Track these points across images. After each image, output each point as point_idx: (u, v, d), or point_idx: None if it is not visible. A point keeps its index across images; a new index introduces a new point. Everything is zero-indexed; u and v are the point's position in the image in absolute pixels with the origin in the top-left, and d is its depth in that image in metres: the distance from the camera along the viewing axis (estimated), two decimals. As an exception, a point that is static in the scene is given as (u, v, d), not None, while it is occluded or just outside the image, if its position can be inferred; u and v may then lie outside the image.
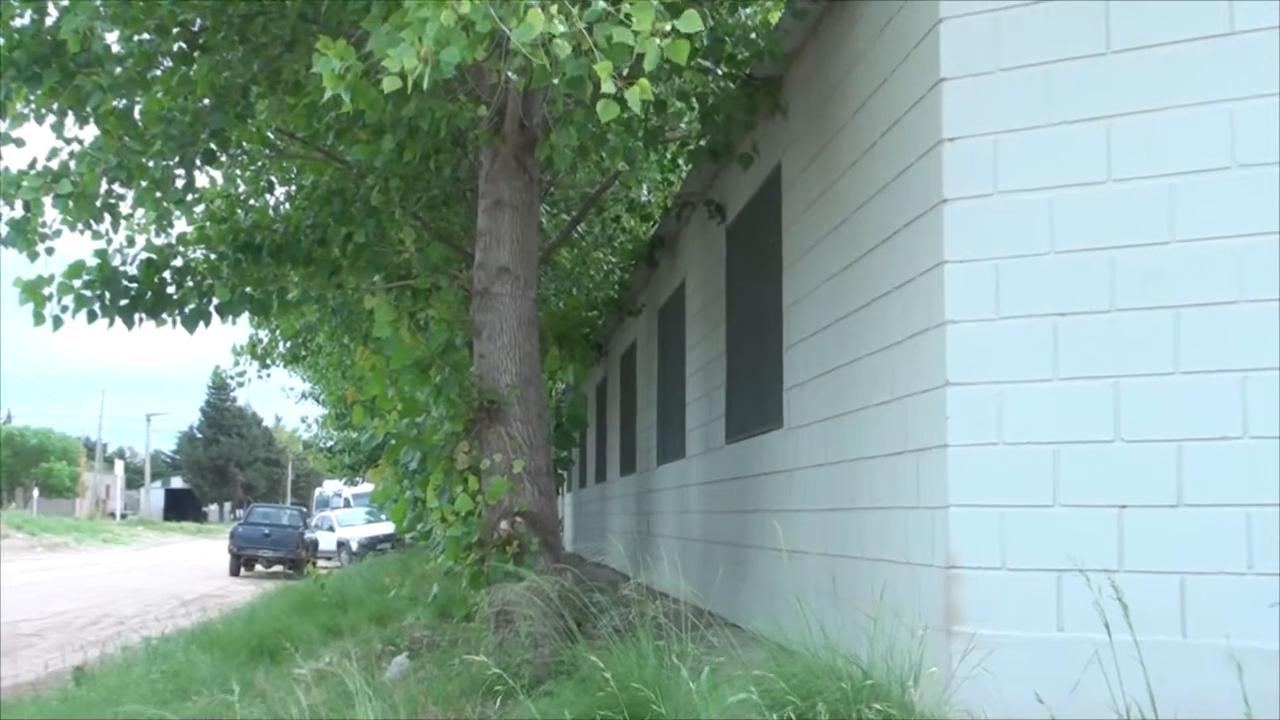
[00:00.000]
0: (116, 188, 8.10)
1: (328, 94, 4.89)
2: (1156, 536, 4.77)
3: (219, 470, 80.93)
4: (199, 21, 7.53)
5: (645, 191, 14.02)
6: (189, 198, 8.16)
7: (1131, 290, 4.92)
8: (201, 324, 8.86)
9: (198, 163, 7.98)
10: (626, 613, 5.82)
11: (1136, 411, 4.86)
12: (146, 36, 7.49)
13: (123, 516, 68.29)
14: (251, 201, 10.46)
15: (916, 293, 5.46)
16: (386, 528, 30.02)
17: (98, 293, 8.24)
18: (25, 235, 7.47)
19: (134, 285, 8.63)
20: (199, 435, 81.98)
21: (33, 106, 7.37)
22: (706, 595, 6.74)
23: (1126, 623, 4.24)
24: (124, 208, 8.34)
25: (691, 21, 4.35)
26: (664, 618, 5.40)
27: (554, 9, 4.34)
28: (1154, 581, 4.73)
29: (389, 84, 4.46)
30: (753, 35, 8.08)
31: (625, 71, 4.48)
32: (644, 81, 4.38)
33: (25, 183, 7.42)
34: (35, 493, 66.09)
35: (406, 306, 10.29)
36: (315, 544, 33.55)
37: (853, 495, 6.31)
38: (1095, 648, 4.51)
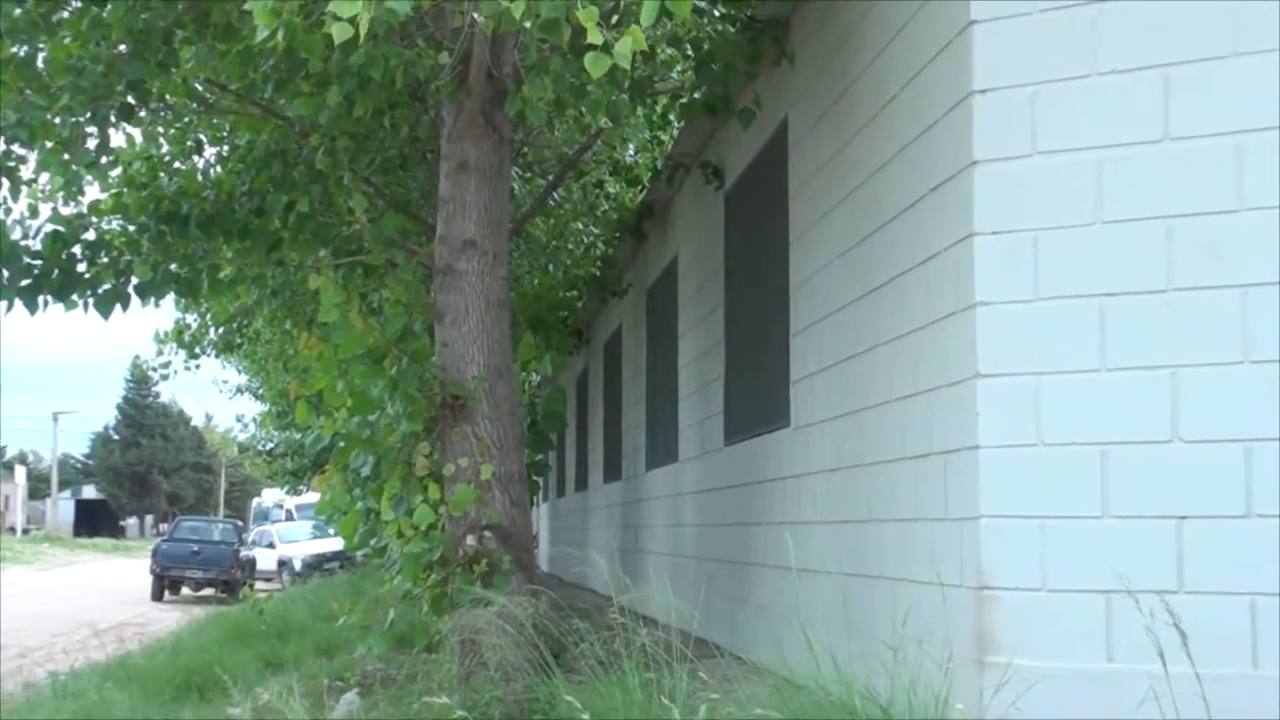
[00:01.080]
0: (16, 149, 8.08)
1: (262, 34, 4.87)
2: (1222, 552, 4.78)
3: (139, 478, 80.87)
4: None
5: (631, 152, 14.04)
6: (102, 160, 8.14)
7: (1192, 266, 4.93)
8: (118, 307, 8.85)
9: (112, 119, 7.95)
10: (610, 641, 5.83)
11: (1198, 407, 4.87)
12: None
13: (25, 532, 68.01)
14: (177, 164, 10.43)
15: (943, 269, 5.47)
16: (335, 544, 30.04)
17: (-6, 271, 8.24)
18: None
19: (38, 262, 8.61)
20: (115, 437, 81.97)
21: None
22: (702, 621, 6.76)
23: (1186, 652, 4.23)
24: (25, 172, 8.32)
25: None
26: (653, 647, 5.41)
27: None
28: (1219, 604, 4.74)
29: (338, 32, 4.45)
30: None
31: (615, 19, 4.48)
32: (636, 30, 4.37)
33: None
34: (-84, 505, 65.92)
35: (357, 287, 10.28)
36: (252, 563, 33.59)
37: (870, 505, 6.34)
38: (1150, 681, 4.50)
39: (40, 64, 7.66)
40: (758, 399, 8.81)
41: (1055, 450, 5.01)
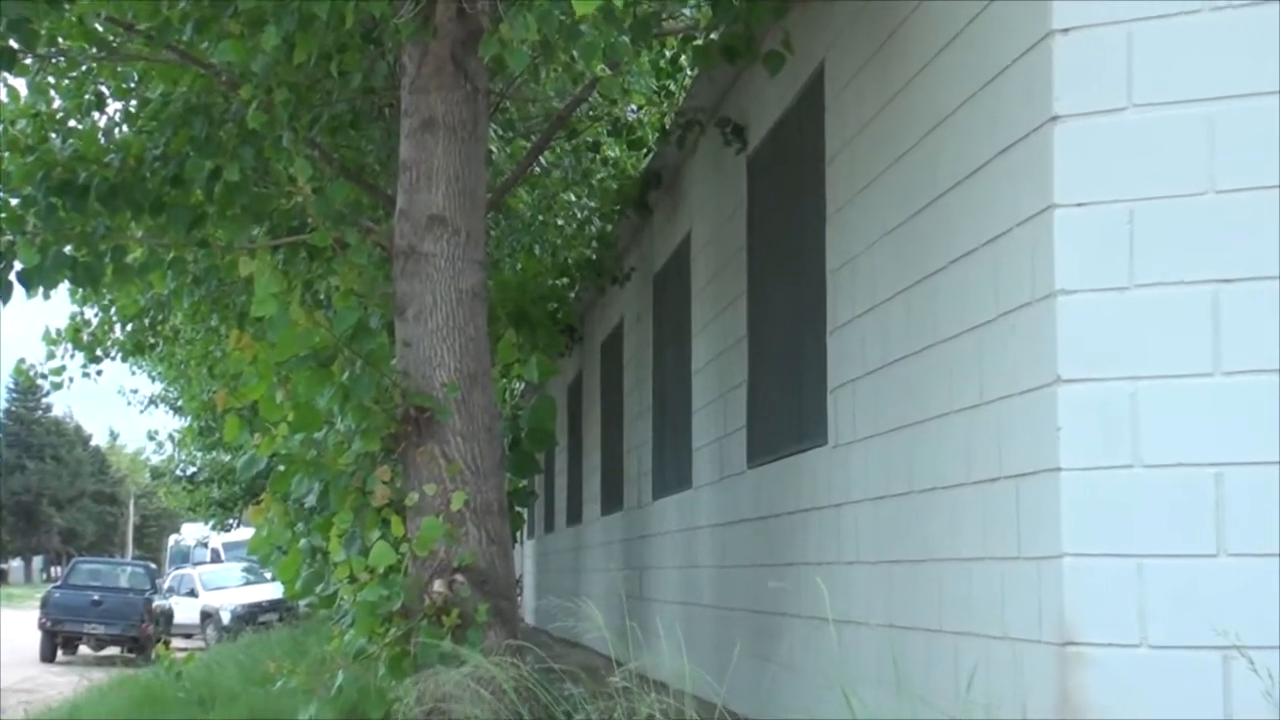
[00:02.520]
0: None
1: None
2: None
3: (25, 510, 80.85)
4: None
5: (634, 108, 14.05)
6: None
7: (1326, 247, 4.95)
8: (-2, 299, 8.89)
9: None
10: (610, 711, 5.85)
11: (1332, 420, 4.89)
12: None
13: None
14: (72, 123, 10.45)
15: (1015, 250, 5.50)
16: (272, 591, 30.09)
17: None
18: None
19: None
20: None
21: None
22: (721, 684, 6.78)
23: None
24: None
25: None
26: (662, 717, 5.42)
27: None
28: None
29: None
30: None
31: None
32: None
33: None
34: None
35: (300, 273, 10.30)
36: (169, 615, 33.67)
37: (926, 541, 6.36)
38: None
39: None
40: (788, 411, 8.84)
41: (1157, 473, 5.02)
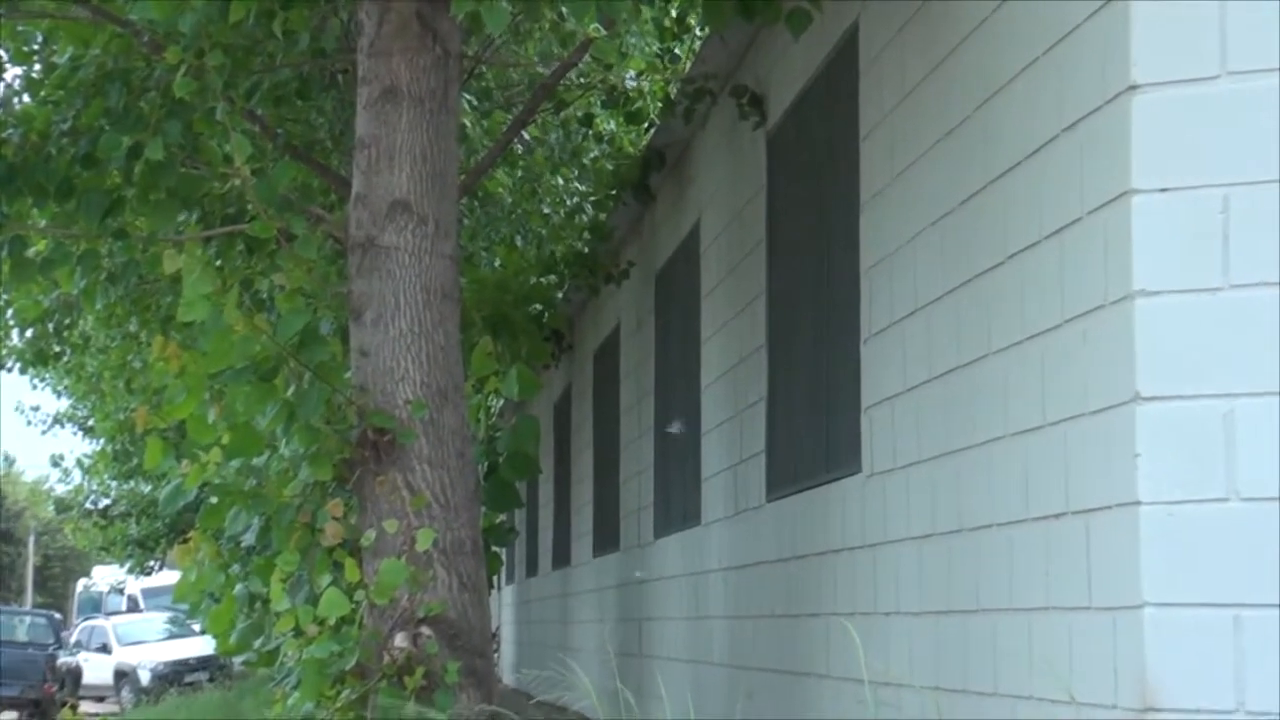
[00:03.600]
0: None
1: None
2: None
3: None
4: None
5: (633, 75, 14.05)
6: None
7: None
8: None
9: None
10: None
11: None
12: None
13: None
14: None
15: (1084, 244, 5.50)
16: (201, 646, 30.06)
17: None
18: None
19: None
20: None
21: None
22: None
23: None
24: None
25: None
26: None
27: None
28: None
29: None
30: None
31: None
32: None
33: None
34: None
35: (237, 270, 10.28)
36: (76, 674, 33.66)
37: (979, 588, 6.36)
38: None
39: None
40: (815, 433, 8.84)
41: (1256, 508, 5.01)
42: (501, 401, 18.08)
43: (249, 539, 9.85)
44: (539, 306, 14.28)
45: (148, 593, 40.02)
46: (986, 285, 6.39)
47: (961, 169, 6.69)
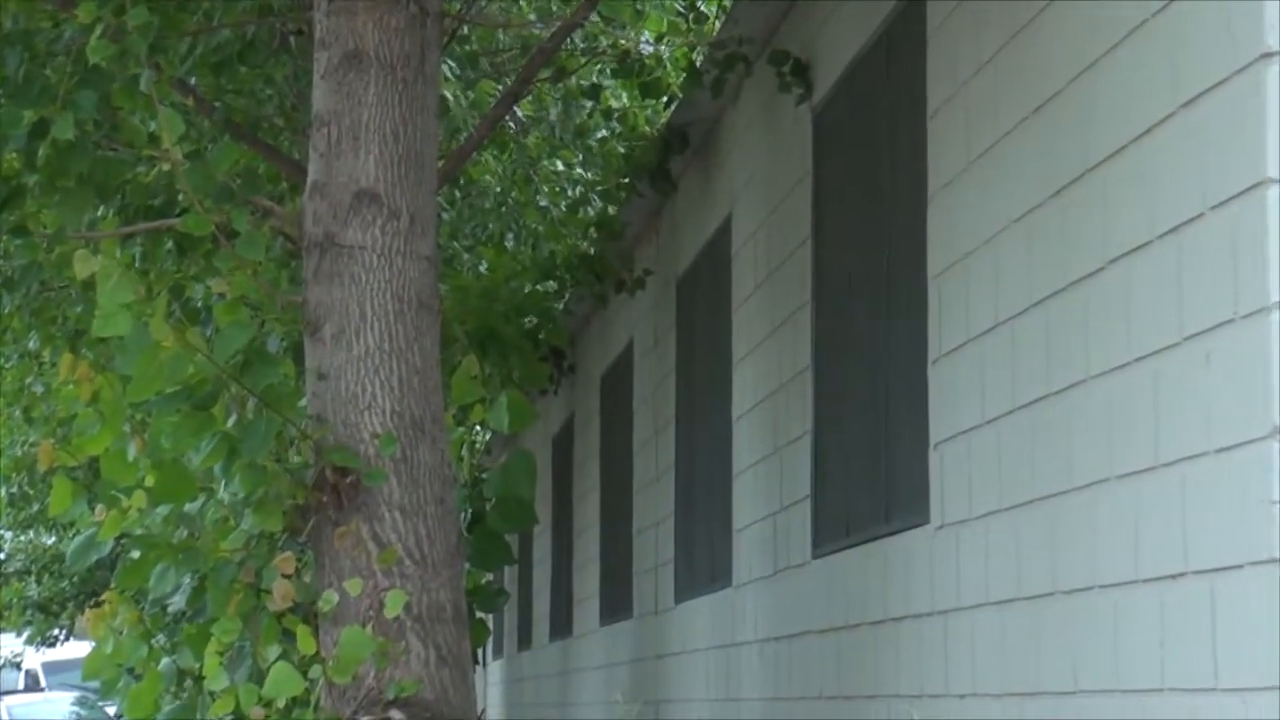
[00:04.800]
0: None
1: None
2: None
3: None
4: None
5: (649, 38, 14.06)
6: None
7: None
8: None
9: None
10: None
11: None
12: None
13: None
14: None
15: (1206, 245, 5.49)
16: (118, 732, 30.07)
17: None
18: None
19: None
20: None
21: None
22: None
23: None
24: None
25: None
26: None
27: None
28: None
29: None
30: None
31: None
32: None
33: None
34: None
35: (165, 275, 10.27)
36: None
37: (1074, 664, 6.35)
38: None
39: None
40: (872, 474, 8.84)
41: None
42: (489, 435, 18.09)
43: (178, 602, 9.81)
44: (534, 319, 14.28)
45: (50, 667, 40.03)
46: (1085, 295, 6.38)
47: (1053, 154, 6.69)
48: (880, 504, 8.67)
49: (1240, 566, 5.24)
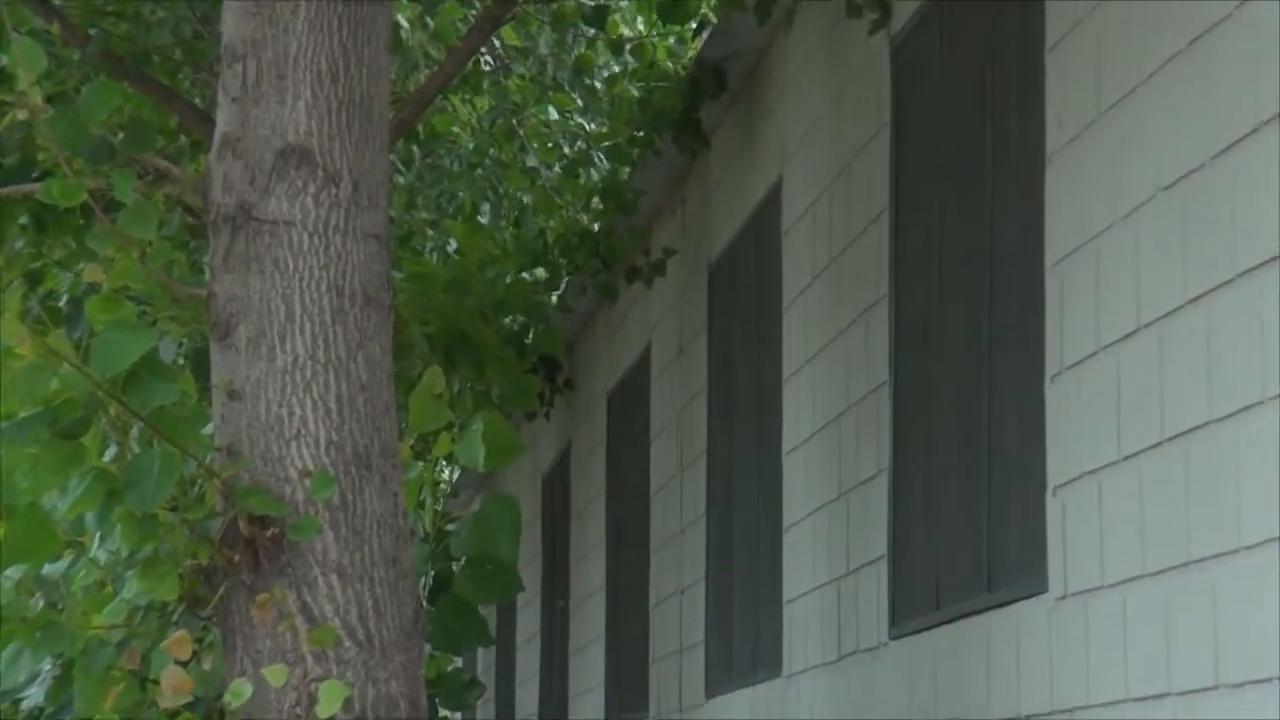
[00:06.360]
0: None
1: None
2: None
3: None
4: None
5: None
6: None
7: None
8: None
9: None
10: None
11: None
12: None
13: None
14: None
15: None
16: None
17: None
18: None
19: None
20: None
21: None
22: None
23: None
24: None
25: None
26: None
27: None
28: None
29: None
30: None
31: None
32: None
33: None
34: None
35: (19, 258, 10.26)
36: None
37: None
38: None
39: None
40: (969, 527, 8.88)
41: None
42: (459, 474, 18.14)
43: (35, 696, 9.80)
44: (520, 319, 14.28)
45: None
46: (1260, 288, 6.37)
47: (1216, 98, 6.68)
48: (981, 567, 8.68)
49: None
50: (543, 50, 14.81)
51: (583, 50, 14.88)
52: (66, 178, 8.62)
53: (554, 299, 15.76)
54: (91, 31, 10.30)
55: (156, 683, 7.94)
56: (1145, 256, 7.16)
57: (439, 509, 14.67)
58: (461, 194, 15.04)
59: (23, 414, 8.07)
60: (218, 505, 7.72)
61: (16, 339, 7.95)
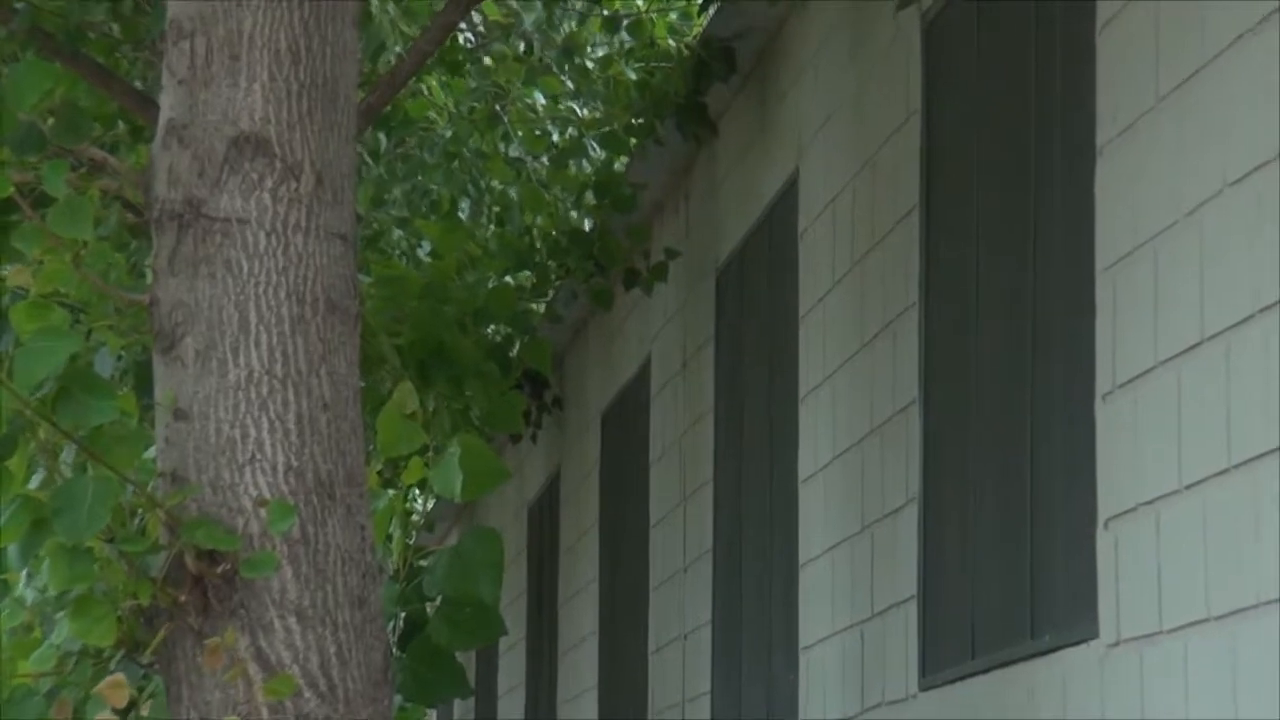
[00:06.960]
0: None
1: None
2: None
3: None
4: None
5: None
6: None
7: None
8: None
9: None
10: None
11: None
12: None
13: None
14: None
15: None
16: None
17: None
18: None
19: None
20: None
21: None
22: None
23: None
24: None
25: None
26: None
27: None
28: None
29: None
30: None
31: None
32: None
33: None
34: None
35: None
36: None
37: None
38: None
39: None
40: (1010, 565, 8.86)
41: None
42: (434, 503, 18.17)
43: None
44: (503, 329, 14.25)
45: None
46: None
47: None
48: (1023, 609, 8.67)
49: None
50: (528, 26, 14.83)
51: (574, 27, 14.89)
52: (-7, 169, 8.62)
53: (542, 307, 15.77)
54: (18, 4, 10.29)
55: (87, 739, 7.92)
56: (1210, 259, 7.14)
57: (411, 543, 14.71)
58: (437, 188, 15.06)
59: (-64, 438, 8.04)
60: (161, 538, 7.69)
61: (-69, 353, 7.92)
